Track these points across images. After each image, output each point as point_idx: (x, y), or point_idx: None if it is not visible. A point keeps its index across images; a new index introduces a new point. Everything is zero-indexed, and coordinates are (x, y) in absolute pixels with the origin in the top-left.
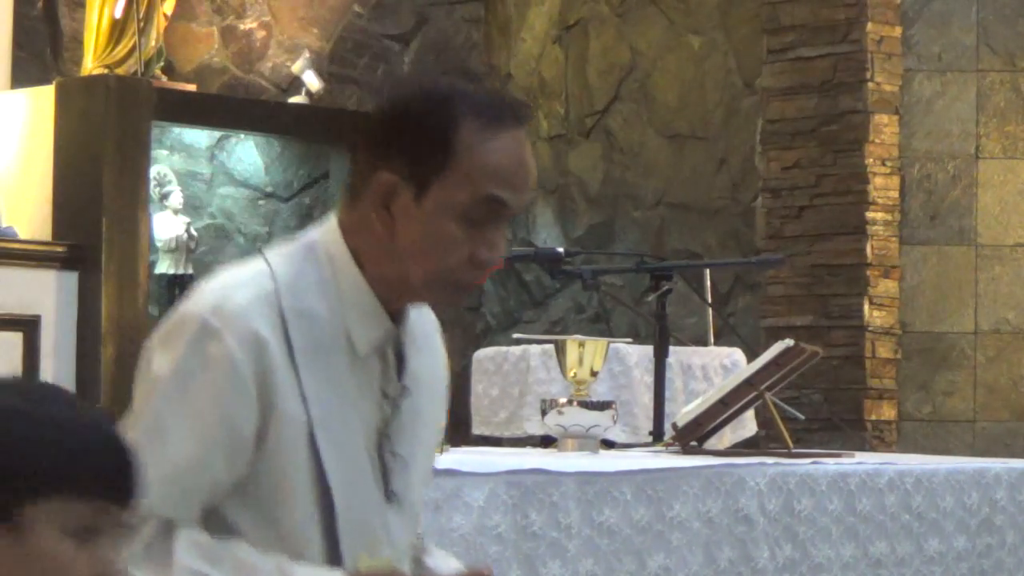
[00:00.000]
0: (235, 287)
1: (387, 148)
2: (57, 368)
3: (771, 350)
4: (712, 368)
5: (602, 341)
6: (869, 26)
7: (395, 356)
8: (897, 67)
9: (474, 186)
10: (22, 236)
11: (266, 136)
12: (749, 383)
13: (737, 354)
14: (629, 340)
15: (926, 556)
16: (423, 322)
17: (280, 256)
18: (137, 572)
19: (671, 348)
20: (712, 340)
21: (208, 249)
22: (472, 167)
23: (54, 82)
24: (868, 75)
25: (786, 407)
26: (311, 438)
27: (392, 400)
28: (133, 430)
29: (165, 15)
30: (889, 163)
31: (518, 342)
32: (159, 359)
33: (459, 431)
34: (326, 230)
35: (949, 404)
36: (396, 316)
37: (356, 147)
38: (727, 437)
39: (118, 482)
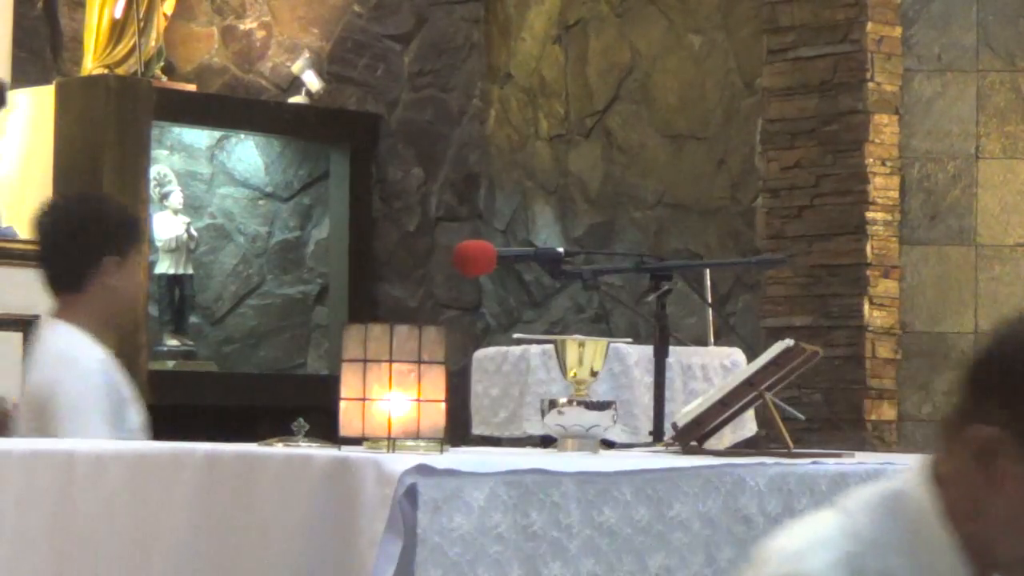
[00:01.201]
0: (812, 547)
1: (986, 398)
2: None
3: (771, 350)
4: (712, 368)
5: (602, 341)
6: (869, 26)
7: None
8: (897, 67)
9: None
10: (22, 236)
11: (266, 136)
12: (749, 383)
13: (737, 354)
14: (629, 340)
15: None
16: None
17: (861, 510)
18: None
19: (671, 348)
20: (712, 340)
21: (208, 249)
22: None
23: (54, 82)
24: (868, 75)
25: (786, 407)
26: None
27: None
28: None
29: (165, 15)
30: (889, 163)
31: (518, 342)
32: None
33: (459, 431)
34: (915, 481)
35: (949, 404)
36: None
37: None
38: (727, 437)
39: None
